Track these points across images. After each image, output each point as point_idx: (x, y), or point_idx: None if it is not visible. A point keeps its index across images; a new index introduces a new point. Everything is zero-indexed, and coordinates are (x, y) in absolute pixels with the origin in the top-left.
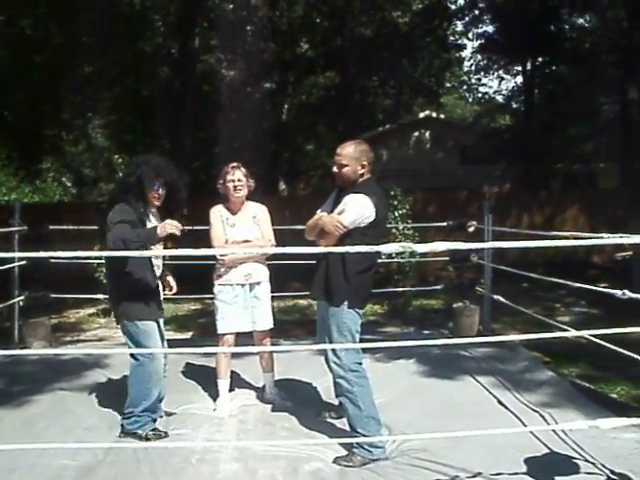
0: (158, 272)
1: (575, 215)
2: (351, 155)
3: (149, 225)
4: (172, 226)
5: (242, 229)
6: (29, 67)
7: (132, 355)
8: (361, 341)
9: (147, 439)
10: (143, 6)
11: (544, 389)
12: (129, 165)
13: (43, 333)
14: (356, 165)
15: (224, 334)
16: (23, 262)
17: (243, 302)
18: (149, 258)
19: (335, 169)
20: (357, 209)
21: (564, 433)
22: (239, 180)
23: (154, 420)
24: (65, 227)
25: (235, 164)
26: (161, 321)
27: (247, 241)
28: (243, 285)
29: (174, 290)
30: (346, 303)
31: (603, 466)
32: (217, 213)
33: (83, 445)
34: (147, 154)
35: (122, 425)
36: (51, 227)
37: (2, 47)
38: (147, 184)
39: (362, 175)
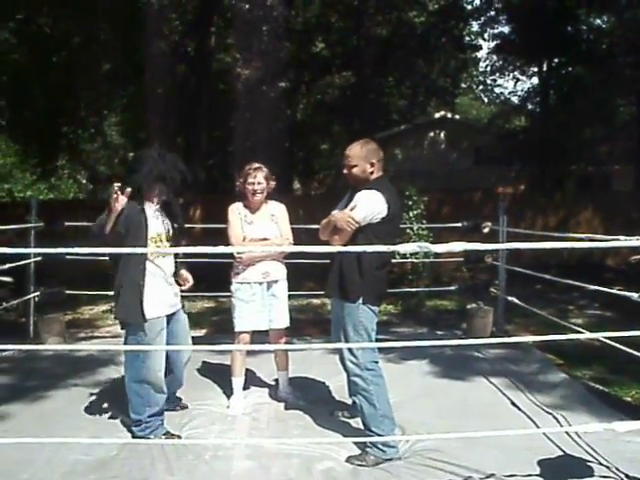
0: (163, 272)
1: (589, 217)
2: (358, 155)
3: (151, 223)
4: (114, 193)
5: (260, 227)
6: (47, 65)
7: (130, 363)
8: (376, 340)
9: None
10: (160, 5)
11: (557, 391)
12: (133, 161)
13: (58, 329)
14: (365, 164)
15: (241, 332)
16: (39, 258)
17: (260, 300)
18: (144, 257)
19: (345, 170)
20: (369, 205)
21: (578, 435)
22: (259, 183)
23: (162, 421)
24: (80, 224)
25: (257, 165)
26: (164, 320)
27: (265, 239)
28: (261, 283)
29: (190, 283)
30: (361, 299)
31: (617, 469)
32: (236, 210)
33: (97, 441)
34: (148, 149)
35: (133, 431)
36: (66, 224)
37: (21, 45)
38: (147, 187)
39: (372, 173)
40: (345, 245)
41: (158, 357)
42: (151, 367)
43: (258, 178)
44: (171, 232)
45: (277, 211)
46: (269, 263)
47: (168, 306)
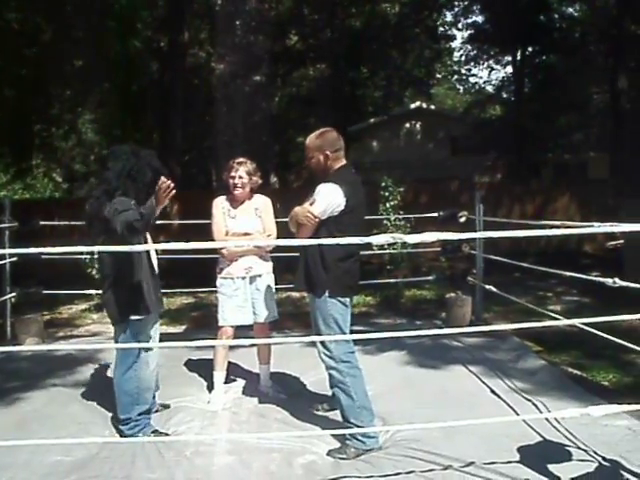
0: (155, 269)
1: (566, 205)
2: (313, 145)
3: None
4: (167, 191)
5: (243, 221)
6: (18, 62)
7: (122, 361)
8: (352, 332)
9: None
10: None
11: (536, 377)
12: (113, 157)
13: (36, 329)
14: (319, 155)
15: (223, 326)
16: (14, 258)
17: (243, 295)
18: (147, 252)
19: (306, 162)
20: (327, 198)
21: (557, 421)
22: (240, 177)
23: (150, 419)
24: (56, 223)
25: (241, 160)
26: (155, 319)
27: (247, 234)
28: (244, 278)
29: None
30: (327, 292)
31: (595, 453)
32: (219, 205)
33: (76, 440)
34: (123, 144)
35: (121, 430)
36: (42, 223)
37: None
38: (162, 172)
39: (329, 164)
40: (309, 239)
41: (154, 354)
42: (146, 364)
43: (240, 172)
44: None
45: (261, 205)
46: (252, 258)
47: (157, 307)
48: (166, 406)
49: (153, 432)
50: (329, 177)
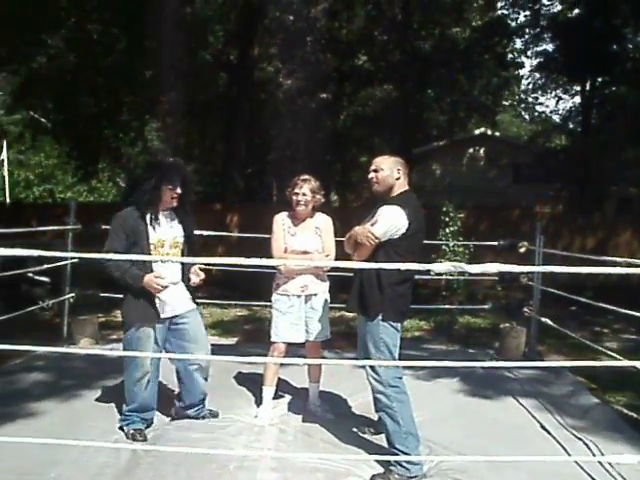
0: (167, 279)
1: (629, 240)
2: (386, 162)
3: (152, 232)
4: (155, 287)
5: (302, 239)
6: (94, 70)
7: (126, 361)
8: (404, 357)
9: (131, 437)
10: (205, 14)
11: (589, 416)
12: (146, 167)
13: (91, 330)
14: (392, 170)
15: (275, 342)
16: (75, 260)
17: (298, 313)
18: (145, 263)
19: (371, 175)
20: (389, 221)
21: (610, 465)
22: (304, 195)
23: (144, 420)
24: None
25: (306, 177)
26: (159, 326)
27: (306, 252)
28: (299, 296)
29: (201, 276)
30: (381, 316)
31: None
32: (280, 221)
33: (122, 445)
34: (162, 157)
35: None
36: (103, 227)
37: (69, 50)
38: (170, 184)
39: (398, 180)
40: (366, 260)
41: (141, 361)
42: (135, 368)
43: (303, 189)
44: (179, 239)
45: (322, 224)
46: (309, 277)
47: (166, 310)
48: (215, 414)
49: (135, 430)
50: (393, 200)
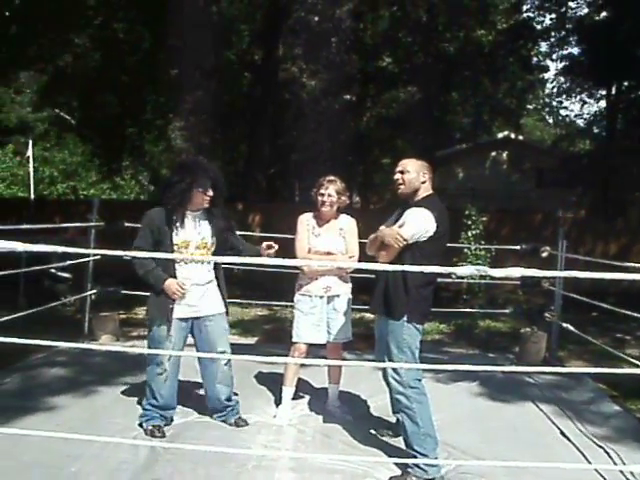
0: (191, 281)
1: None
2: (413, 164)
3: (177, 233)
4: (174, 291)
5: (326, 240)
6: (119, 69)
7: (147, 356)
8: (424, 360)
9: (149, 433)
10: (230, 14)
11: (610, 424)
12: (178, 168)
13: (111, 327)
14: (419, 173)
15: (296, 342)
16: (98, 257)
17: (320, 314)
18: (168, 263)
19: (397, 176)
20: (418, 223)
21: (632, 475)
22: (329, 196)
23: (164, 418)
24: (140, 225)
25: (332, 178)
26: (180, 325)
27: (330, 253)
28: (321, 297)
29: (275, 247)
30: (406, 317)
31: None
32: (305, 222)
33: (142, 442)
34: (193, 158)
35: None
36: (126, 224)
37: (96, 49)
38: (202, 187)
39: (423, 184)
40: (391, 262)
41: (160, 358)
42: (155, 365)
43: (329, 190)
44: (208, 240)
45: (346, 225)
46: (332, 278)
47: (186, 311)
48: (244, 422)
49: (153, 426)
50: (420, 203)
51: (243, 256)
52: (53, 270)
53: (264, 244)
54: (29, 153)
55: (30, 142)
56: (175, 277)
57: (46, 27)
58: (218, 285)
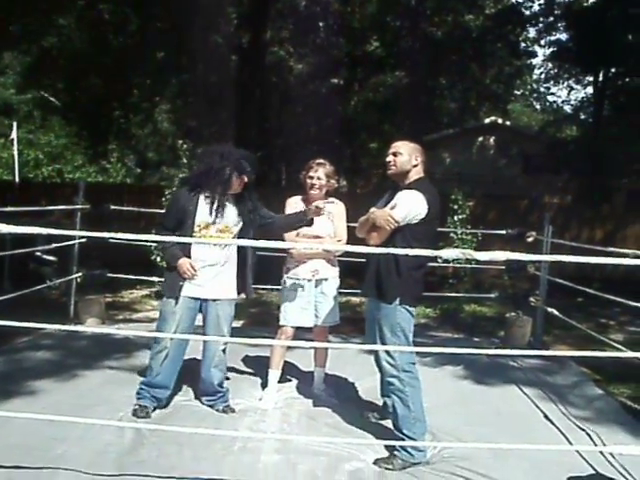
0: (204, 263)
1: (637, 233)
2: (407, 147)
3: (201, 214)
4: (185, 271)
5: (315, 224)
6: (105, 50)
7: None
8: (413, 342)
9: (132, 412)
10: None
11: (592, 407)
12: (198, 159)
13: (97, 310)
14: (411, 155)
15: (284, 326)
16: (83, 240)
17: (307, 297)
18: (189, 247)
19: (389, 158)
20: (410, 205)
21: (612, 456)
22: (318, 179)
23: (154, 398)
24: (126, 208)
25: (321, 161)
26: (187, 305)
27: (318, 237)
28: (309, 280)
29: (320, 206)
30: (398, 300)
31: None
32: (293, 204)
33: (128, 424)
34: (220, 143)
35: None
36: (112, 207)
37: (80, 30)
38: (244, 172)
39: (415, 167)
40: (382, 244)
41: (163, 337)
42: (157, 341)
43: (319, 173)
44: (230, 222)
45: (335, 209)
46: (320, 261)
47: (195, 290)
48: (231, 411)
49: (139, 405)
50: (411, 185)
51: (276, 228)
52: (39, 253)
53: (313, 205)
54: (13, 135)
55: (14, 124)
56: (189, 257)
57: (30, 7)
58: (240, 268)
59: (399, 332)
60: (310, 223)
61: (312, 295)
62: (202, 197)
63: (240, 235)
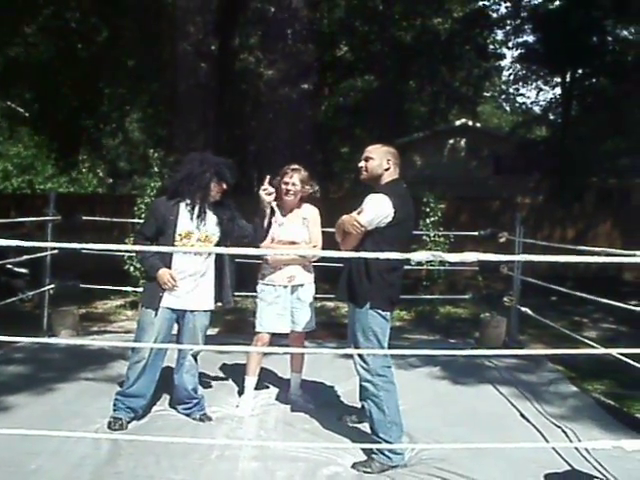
0: (184, 274)
1: (608, 231)
2: (378, 151)
3: (182, 223)
4: (165, 282)
5: (290, 230)
6: (73, 60)
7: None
8: (388, 346)
9: (107, 425)
10: (186, 4)
11: (567, 404)
12: (181, 165)
13: (71, 322)
14: (382, 160)
15: (260, 332)
16: (55, 251)
17: (283, 303)
18: (170, 257)
19: (361, 163)
20: (375, 209)
21: (587, 451)
22: (293, 184)
23: (129, 409)
24: (98, 218)
25: (296, 167)
26: (165, 316)
27: (293, 242)
28: (285, 286)
29: (268, 190)
30: (369, 304)
31: None
32: None
33: (103, 436)
34: (199, 151)
35: None
36: (84, 218)
37: (47, 40)
38: (223, 179)
39: (387, 171)
40: (354, 249)
41: (141, 348)
42: (134, 351)
43: (293, 179)
44: (210, 232)
45: (310, 215)
46: (295, 267)
47: (174, 302)
48: (208, 419)
49: (114, 418)
50: (380, 188)
51: (252, 240)
52: (10, 265)
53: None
54: None
55: None
56: (170, 267)
57: None
58: (217, 277)
59: (371, 336)
60: (272, 212)
61: (288, 301)
62: (183, 205)
63: (217, 244)
